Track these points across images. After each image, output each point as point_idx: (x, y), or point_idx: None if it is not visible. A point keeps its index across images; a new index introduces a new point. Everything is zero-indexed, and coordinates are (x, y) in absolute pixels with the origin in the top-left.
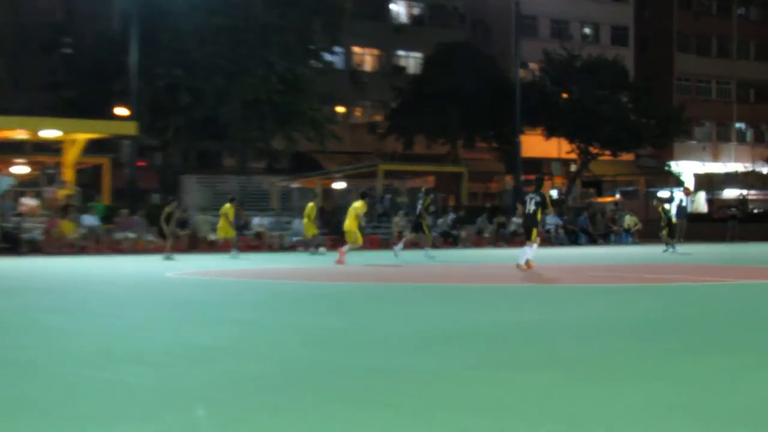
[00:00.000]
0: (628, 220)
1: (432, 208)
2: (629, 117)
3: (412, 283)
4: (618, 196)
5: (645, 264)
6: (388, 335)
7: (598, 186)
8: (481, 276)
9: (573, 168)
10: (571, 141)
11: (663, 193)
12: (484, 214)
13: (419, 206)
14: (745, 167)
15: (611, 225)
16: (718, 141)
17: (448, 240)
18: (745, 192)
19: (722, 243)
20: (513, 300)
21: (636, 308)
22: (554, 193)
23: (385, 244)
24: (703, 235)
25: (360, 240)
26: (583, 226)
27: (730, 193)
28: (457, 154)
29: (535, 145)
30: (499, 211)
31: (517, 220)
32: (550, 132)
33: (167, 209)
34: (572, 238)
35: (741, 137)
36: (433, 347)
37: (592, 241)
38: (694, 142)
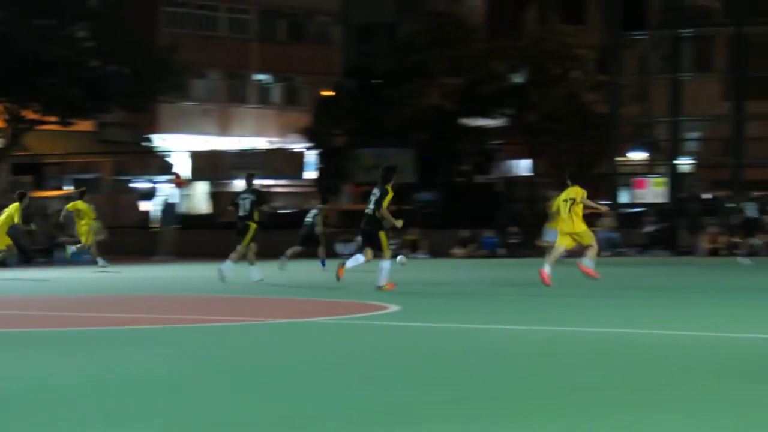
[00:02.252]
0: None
1: None
2: (88, 63)
3: None
4: (71, 187)
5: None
6: None
7: (39, 172)
8: None
9: None
10: None
11: (142, 184)
12: None
13: None
14: (271, 143)
15: (57, 234)
16: (229, 102)
17: None
18: (269, 182)
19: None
20: None
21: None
22: None
23: None
24: (206, 248)
25: None
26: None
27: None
28: None
29: None
30: None
31: None
32: None
33: None
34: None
35: (264, 96)
36: None
37: (27, 259)
38: (191, 103)
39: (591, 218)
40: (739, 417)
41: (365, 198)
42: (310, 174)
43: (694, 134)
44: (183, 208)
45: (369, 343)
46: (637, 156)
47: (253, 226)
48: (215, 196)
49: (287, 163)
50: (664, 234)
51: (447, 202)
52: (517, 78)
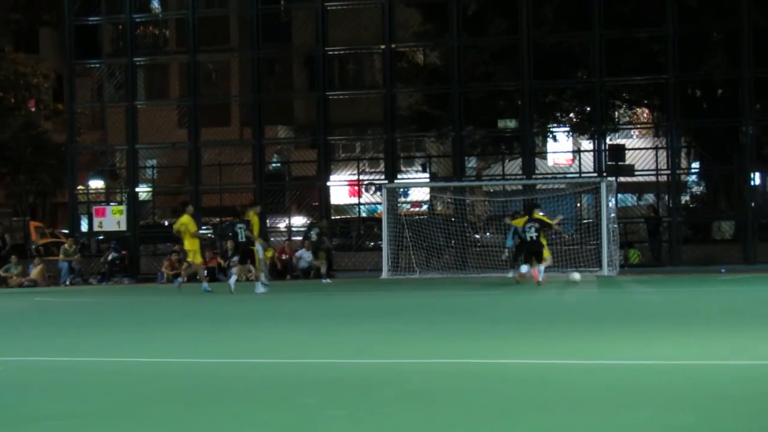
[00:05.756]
0: None
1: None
2: None
3: None
4: None
5: None
6: None
7: None
8: None
9: None
10: None
11: None
12: None
13: None
14: None
15: None
16: None
17: None
18: None
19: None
20: None
21: None
22: None
23: None
24: None
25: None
26: None
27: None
28: None
29: None
30: None
31: None
32: None
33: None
34: None
35: None
36: None
37: None
38: None
39: (54, 247)
40: None
41: None
42: None
43: (152, 161)
44: None
45: None
46: (97, 184)
47: (255, 249)
48: None
49: None
50: (125, 261)
51: None
52: None
